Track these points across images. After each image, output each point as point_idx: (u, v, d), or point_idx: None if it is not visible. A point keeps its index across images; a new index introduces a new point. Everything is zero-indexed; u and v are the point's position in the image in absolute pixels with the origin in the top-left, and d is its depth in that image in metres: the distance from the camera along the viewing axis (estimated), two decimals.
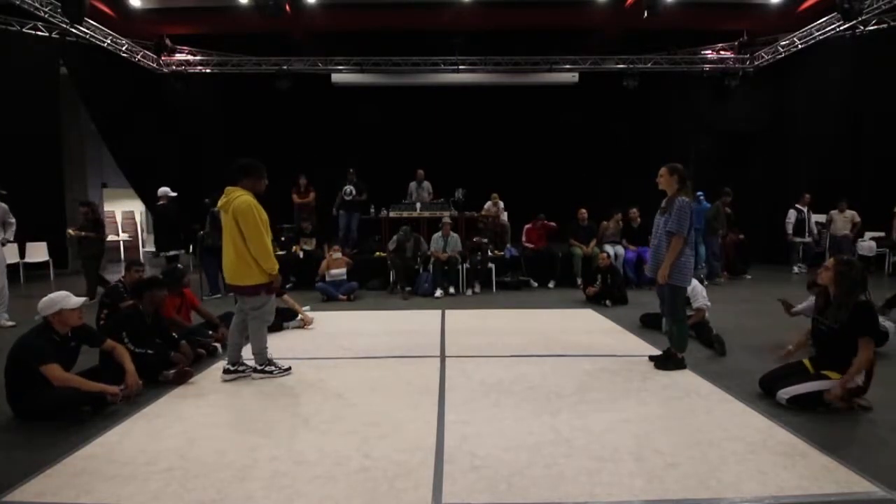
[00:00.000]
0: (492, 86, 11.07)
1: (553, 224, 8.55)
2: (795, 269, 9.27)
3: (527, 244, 8.52)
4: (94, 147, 11.15)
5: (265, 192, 3.69)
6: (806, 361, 3.23)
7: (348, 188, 8.91)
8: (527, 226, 8.65)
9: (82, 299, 3.22)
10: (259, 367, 3.69)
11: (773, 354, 3.49)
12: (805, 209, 9.11)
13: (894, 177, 8.95)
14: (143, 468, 2.41)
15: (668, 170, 3.77)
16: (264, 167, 3.64)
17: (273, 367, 3.73)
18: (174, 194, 7.93)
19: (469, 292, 7.51)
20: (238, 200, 3.41)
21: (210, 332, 4.58)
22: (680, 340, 3.83)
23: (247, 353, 3.80)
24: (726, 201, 8.36)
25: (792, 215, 9.14)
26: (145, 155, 10.65)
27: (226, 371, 3.67)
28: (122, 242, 13.88)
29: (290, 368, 3.76)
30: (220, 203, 3.53)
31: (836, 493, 2.15)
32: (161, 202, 7.76)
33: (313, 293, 7.09)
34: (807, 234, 9.13)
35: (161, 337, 3.89)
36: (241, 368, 3.69)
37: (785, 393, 3.04)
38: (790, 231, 9.13)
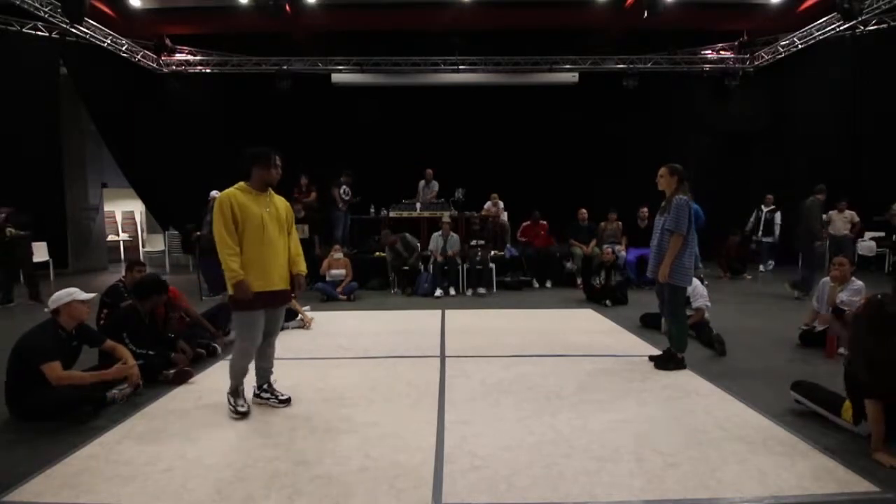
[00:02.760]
0: (492, 86, 11.07)
1: (544, 223, 8.54)
2: (761, 268, 9.42)
3: (521, 238, 8.52)
4: (94, 147, 11.17)
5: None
6: (847, 405, 2.70)
7: (346, 188, 8.92)
8: (524, 223, 8.65)
9: (93, 295, 3.23)
10: (228, 395, 3.15)
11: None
12: (766, 209, 9.26)
13: (894, 177, 8.96)
14: (143, 468, 2.41)
15: (668, 170, 3.77)
16: (272, 151, 3.10)
17: (237, 402, 3.10)
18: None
19: (469, 292, 7.51)
20: (219, 197, 2.99)
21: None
22: (679, 340, 3.83)
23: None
24: (820, 199, 7.41)
25: (753, 216, 9.34)
26: (145, 155, 10.66)
27: (255, 395, 3.26)
28: (122, 242, 13.88)
29: (248, 412, 3.07)
30: None
31: (836, 493, 2.15)
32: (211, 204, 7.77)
33: (313, 293, 7.09)
34: (760, 232, 9.29)
35: (155, 337, 3.88)
36: (265, 396, 3.25)
37: (801, 400, 2.96)
38: (747, 229, 9.31)
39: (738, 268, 8.80)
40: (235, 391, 3.14)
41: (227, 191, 2.99)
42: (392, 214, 9.02)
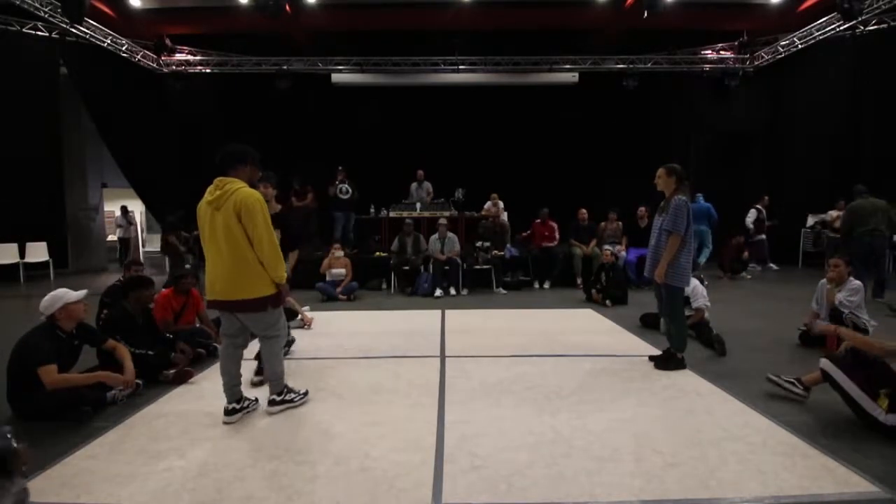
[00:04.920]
0: (492, 86, 11.07)
1: (553, 223, 8.55)
2: (760, 267, 9.47)
3: (534, 242, 8.50)
4: (94, 147, 11.16)
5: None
6: (885, 395, 2.72)
7: (343, 186, 8.92)
8: (535, 221, 8.63)
9: (83, 292, 3.22)
10: (278, 398, 3.07)
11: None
12: (763, 210, 9.33)
13: (894, 177, 8.96)
14: (143, 468, 2.41)
15: (665, 170, 3.77)
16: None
17: (293, 395, 3.15)
18: None
19: (465, 292, 7.52)
20: (241, 194, 2.77)
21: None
22: (679, 340, 3.82)
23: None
24: None
25: (753, 214, 9.37)
26: (145, 155, 10.66)
27: (228, 412, 2.96)
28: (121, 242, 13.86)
29: (307, 392, 3.24)
30: (210, 197, 2.83)
31: (836, 493, 2.15)
32: None
33: (313, 293, 7.09)
34: (763, 232, 9.43)
35: (153, 337, 3.88)
36: (245, 404, 3.05)
37: (830, 369, 2.85)
38: (751, 227, 9.35)
39: (738, 268, 8.81)
40: (287, 386, 3.14)
41: (251, 190, 2.84)
42: (392, 214, 9.01)
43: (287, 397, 3.11)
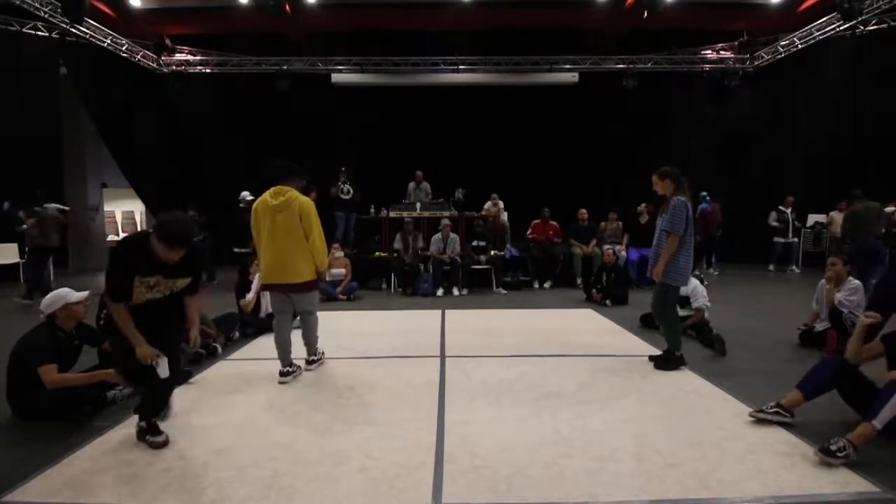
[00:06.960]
0: (492, 86, 11.07)
1: (554, 223, 8.55)
2: (771, 267, 9.48)
3: (530, 235, 8.51)
4: (94, 147, 11.16)
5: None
6: None
7: (345, 187, 8.92)
8: (535, 221, 8.63)
9: (85, 293, 3.22)
10: (315, 358, 3.94)
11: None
12: (787, 210, 9.29)
13: (894, 176, 8.97)
14: (143, 468, 2.41)
15: (658, 175, 3.78)
16: None
17: (320, 355, 4.02)
18: (251, 198, 7.97)
19: (465, 291, 7.52)
20: (302, 200, 3.54)
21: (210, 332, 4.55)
22: (673, 338, 3.82)
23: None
24: None
25: (773, 216, 9.37)
26: (145, 155, 10.66)
27: (283, 374, 3.66)
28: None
29: (324, 352, 4.11)
30: (274, 202, 3.49)
31: (836, 493, 2.15)
32: (241, 205, 7.81)
33: None
34: (790, 234, 9.35)
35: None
36: (293, 369, 3.74)
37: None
38: (775, 226, 9.37)
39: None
40: (316, 350, 3.99)
41: (308, 198, 3.60)
42: (392, 214, 9.00)
43: (317, 357, 3.97)
